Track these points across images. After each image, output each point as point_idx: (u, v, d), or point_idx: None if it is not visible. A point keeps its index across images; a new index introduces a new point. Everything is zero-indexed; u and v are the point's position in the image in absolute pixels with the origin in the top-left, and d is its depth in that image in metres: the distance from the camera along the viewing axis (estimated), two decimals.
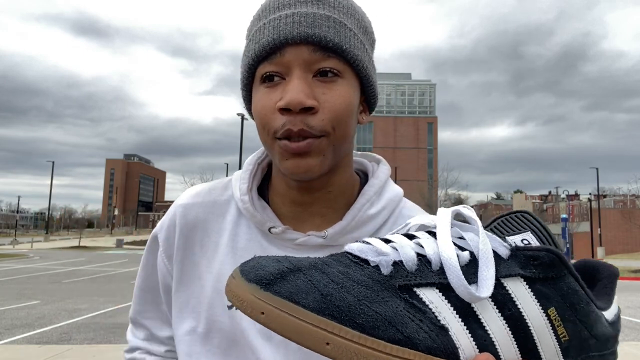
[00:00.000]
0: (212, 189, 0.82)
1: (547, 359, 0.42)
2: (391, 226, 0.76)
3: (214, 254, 0.76)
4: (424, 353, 0.38)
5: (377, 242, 0.44)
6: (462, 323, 0.40)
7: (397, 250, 0.42)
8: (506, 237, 0.44)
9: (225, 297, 0.71)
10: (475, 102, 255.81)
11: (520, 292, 0.42)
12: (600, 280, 0.50)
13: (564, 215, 27.89)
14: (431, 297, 0.40)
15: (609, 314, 0.47)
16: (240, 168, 0.83)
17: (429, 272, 0.41)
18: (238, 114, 25.78)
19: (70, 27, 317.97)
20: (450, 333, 0.40)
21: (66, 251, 35.69)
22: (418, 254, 0.42)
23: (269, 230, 0.73)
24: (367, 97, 0.74)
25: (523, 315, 0.41)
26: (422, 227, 0.47)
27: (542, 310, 0.42)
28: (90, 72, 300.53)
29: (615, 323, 0.47)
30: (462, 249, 0.43)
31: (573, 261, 0.49)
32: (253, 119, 0.73)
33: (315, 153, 0.65)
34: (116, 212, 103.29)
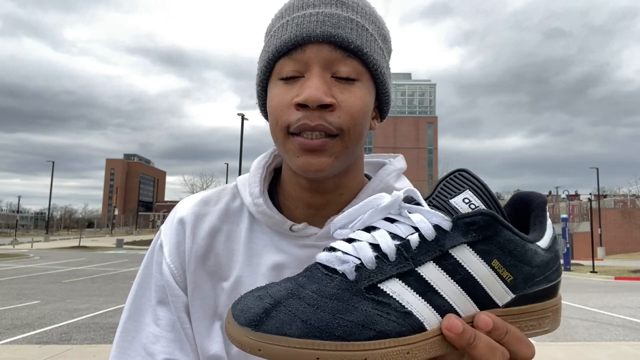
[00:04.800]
0: (220, 196, 0.79)
1: (498, 299, 0.50)
2: None
3: (229, 262, 0.74)
4: (395, 338, 0.46)
5: (342, 246, 0.50)
6: (423, 299, 0.47)
7: (357, 251, 0.49)
8: (449, 200, 0.50)
9: None
10: (496, 118, 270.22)
11: (466, 256, 0.49)
12: (534, 210, 0.57)
13: (564, 215, 27.92)
14: (393, 288, 0.47)
15: (543, 242, 0.53)
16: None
17: (387, 265, 0.48)
18: (238, 114, 25.47)
19: (156, 57, 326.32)
20: (414, 314, 0.47)
21: (66, 251, 35.69)
22: (375, 249, 0.48)
23: (290, 228, 0.72)
24: (381, 104, 0.74)
25: (472, 275, 0.49)
26: (383, 210, 0.52)
27: (487, 265, 0.49)
28: (156, 90, 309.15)
29: (552, 247, 0.54)
30: (415, 229, 0.49)
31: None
32: (264, 117, 0.73)
33: (328, 152, 0.65)
34: (116, 212, 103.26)
